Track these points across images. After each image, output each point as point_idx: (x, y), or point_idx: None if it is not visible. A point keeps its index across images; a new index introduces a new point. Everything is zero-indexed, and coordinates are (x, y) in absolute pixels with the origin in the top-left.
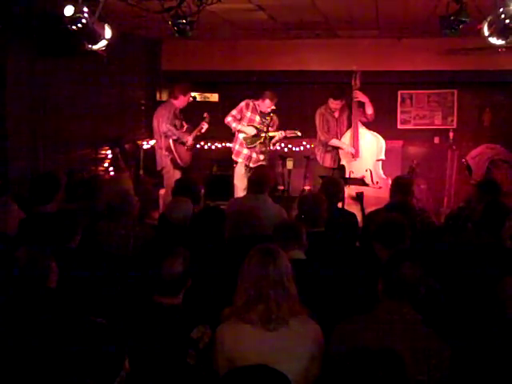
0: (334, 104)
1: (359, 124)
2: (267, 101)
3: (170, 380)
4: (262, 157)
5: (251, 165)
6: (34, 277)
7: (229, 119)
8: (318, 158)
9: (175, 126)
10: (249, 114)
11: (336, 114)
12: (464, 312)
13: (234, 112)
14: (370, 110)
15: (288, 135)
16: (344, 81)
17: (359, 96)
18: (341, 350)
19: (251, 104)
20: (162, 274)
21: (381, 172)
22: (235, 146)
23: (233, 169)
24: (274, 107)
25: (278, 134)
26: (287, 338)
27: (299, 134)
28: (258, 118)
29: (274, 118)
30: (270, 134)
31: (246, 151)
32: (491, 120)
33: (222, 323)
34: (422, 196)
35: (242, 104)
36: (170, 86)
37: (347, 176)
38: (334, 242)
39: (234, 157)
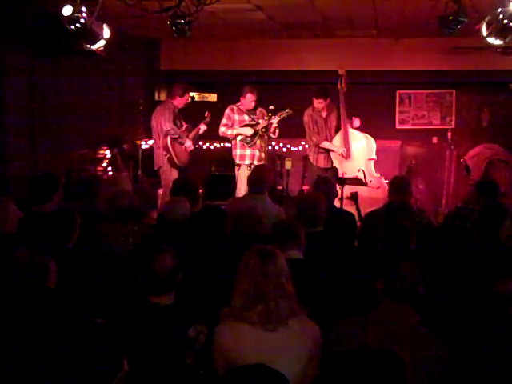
0: (317, 103)
1: (348, 125)
2: (248, 95)
3: (169, 380)
4: (263, 155)
5: (255, 162)
6: (34, 277)
7: (222, 129)
8: (311, 159)
9: (176, 124)
10: (237, 116)
11: (323, 114)
12: (463, 312)
13: (224, 121)
14: (357, 124)
15: (281, 117)
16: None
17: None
18: (339, 351)
19: (235, 107)
20: (155, 272)
21: (373, 171)
22: (237, 152)
23: (234, 169)
24: (268, 108)
25: (274, 121)
26: (286, 338)
27: (290, 111)
28: (246, 117)
29: (261, 109)
30: (264, 125)
31: (248, 151)
32: (489, 120)
33: (220, 323)
34: (421, 196)
35: (227, 111)
36: (169, 85)
37: (340, 176)
38: (333, 242)
39: (238, 161)
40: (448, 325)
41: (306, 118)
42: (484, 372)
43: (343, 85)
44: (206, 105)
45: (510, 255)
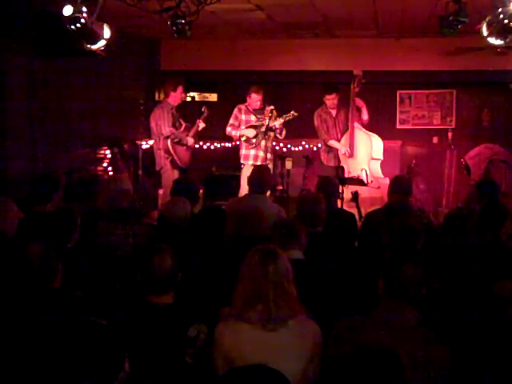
0: (328, 100)
1: (355, 124)
2: (253, 95)
3: (169, 380)
4: (268, 155)
5: (258, 163)
6: (43, 276)
7: (229, 129)
8: (322, 158)
9: (175, 126)
10: (243, 116)
11: (333, 113)
12: (463, 312)
13: (231, 121)
14: (365, 116)
15: (286, 119)
16: (343, 81)
17: (357, 101)
18: (340, 351)
19: (243, 107)
20: (154, 273)
21: (378, 171)
22: (242, 151)
23: (234, 169)
24: (270, 106)
25: (277, 123)
26: (286, 338)
27: (296, 114)
28: (253, 118)
29: (268, 108)
30: (266, 125)
31: (253, 152)
32: (490, 120)
33: (220, 323)
34: (421, 196)
35: (235, 110)
36: None
37: (346, 176)
38: (333, 242)
39: (242, 161)
40: (448, 325)
41: (314, 117)
42: (484, 372)
43: (355, 85)
44: (206, 105)
45: (511, 255)
